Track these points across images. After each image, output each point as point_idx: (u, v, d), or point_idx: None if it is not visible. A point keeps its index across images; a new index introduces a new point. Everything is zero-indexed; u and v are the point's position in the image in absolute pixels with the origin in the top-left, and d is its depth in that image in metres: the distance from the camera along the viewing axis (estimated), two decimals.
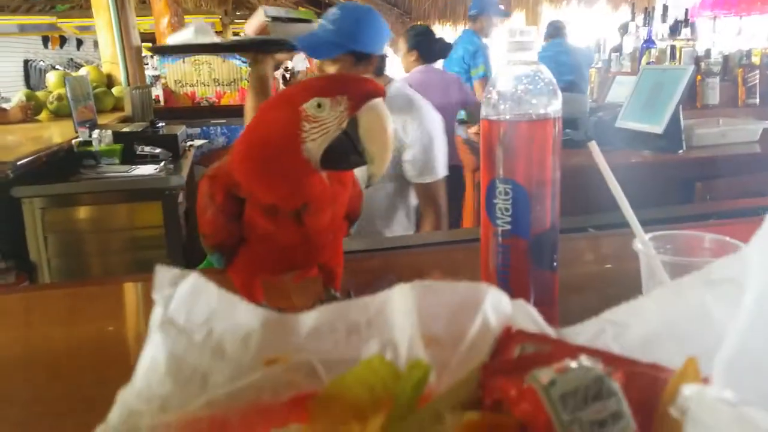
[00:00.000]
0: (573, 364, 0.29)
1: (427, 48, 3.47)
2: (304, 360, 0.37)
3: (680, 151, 2.54)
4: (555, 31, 4.66)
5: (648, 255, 0.63)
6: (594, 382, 0.28)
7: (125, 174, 2.73)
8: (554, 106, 0.64)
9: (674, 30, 3.70)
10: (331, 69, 1.95)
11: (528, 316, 0.39)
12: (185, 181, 2.82)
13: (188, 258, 2.78)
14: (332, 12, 1.94)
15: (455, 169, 3.41)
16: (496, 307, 0.38)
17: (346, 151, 0.65)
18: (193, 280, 0.35)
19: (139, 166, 2.82)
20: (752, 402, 0.25)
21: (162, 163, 2.86)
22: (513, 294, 0.67)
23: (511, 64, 0.65)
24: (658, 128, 2.50)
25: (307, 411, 0.35)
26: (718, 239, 0.64)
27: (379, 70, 2.03)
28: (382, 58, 2.04)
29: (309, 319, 0.38)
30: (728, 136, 2.70)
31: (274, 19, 2.05)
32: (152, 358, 0.35)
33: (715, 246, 0.64)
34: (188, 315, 0.35)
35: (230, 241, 0.72)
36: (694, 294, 0.36)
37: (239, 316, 0.36)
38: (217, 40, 2.34)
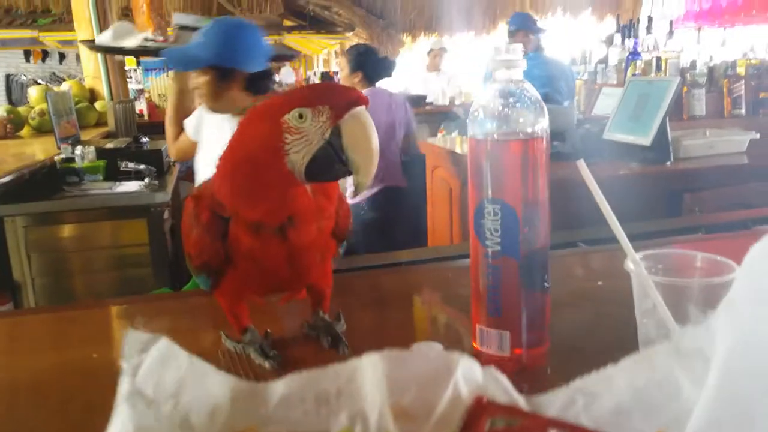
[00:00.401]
0: None
1: (371, 68, 3.39)
2: (275, 430, 0.36)
3: (668, 163, 2.54)
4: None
5: (640, 276, 0.61)
6: None
7: (109, 191, 2.70)
8: (541, 125, 0.63)
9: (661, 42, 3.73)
10: (198, 83, 1.93)
11: (499, 385, 0.39)
12: (170, 197, 2.79)
13: (174, 276, 2.74)
14: (207, 25, 1.92)
15: (395, 190, 3.41)
16: (468, 377, 0.38)
17: (331, 161, 0.63)
18: (163, 346, 0.34)
19: (123, 183, 2.79)
20: None
21: (146, 180, 2.82)
22: (504, 315, 0.66)
23: (497, 83, 0.64)
24: (646, 140, 2.50)
25: None
26: (709, 258, 0.63)
27: (264, 88, 1.99)
28: (264, 75, 1.99)
29: (278, 387, 0.37)
30: (716, 147, 2.71)
31: (181, 28, 2.03)
32: (120, 428, 0.34)
33: (707, 265, 0.63)
34: (157, 385, 0.34)
35: (216, 261, 0.70)
36: (663, 365, 0.37)
37: (209, 384, 0.35)
38: (138, 42, 2.31)
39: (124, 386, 0.34)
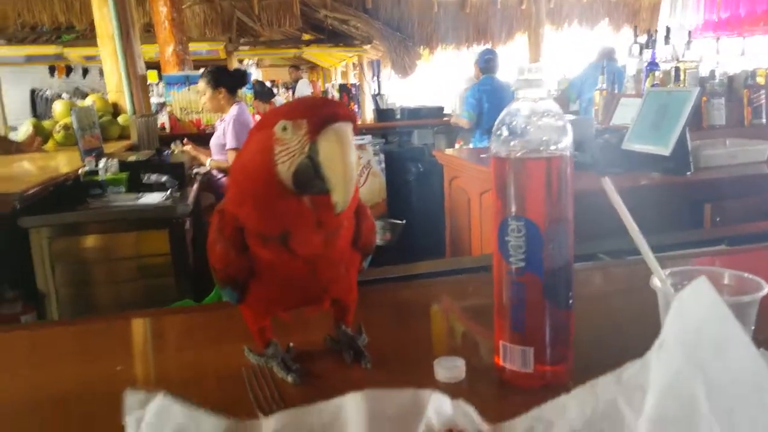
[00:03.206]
0: None
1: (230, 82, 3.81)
2: None
3: (688, 173, 2.52)
4: (487, 65, 4.93)
5: (666, 294, 0.61)
6: None
7: (132, 203, 2.73)
8: (565, 143, 0.64)
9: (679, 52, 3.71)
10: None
11: (467, 417, 0.44)
12: (191, 208, 2.82)
13: (196, 286, 2.77)
14: None
15: None
16: (438, 410, 0.42)
17: (310, 176, 0.63)
18: (160, 401, 0.38)
19: (145, 195, 2.83)
20: None
21: (168, 191, 2.86)
22: (528, 331, 0.67)
23: (521, 101, 0.64)
24: (665, 150, 2.49)
25: None
26: (737, 275, 0.63)
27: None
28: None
29: (269, 424, 0.41)
30: (736, 156, 2.68)
31: None
32: None
33: (735, 282, 0.63)
34: None
35: (241, 274, 0.70)
36: (608, 395, 0.43)
37: (204, 428, 0.39)
38: None
39: None
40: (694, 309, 0.40)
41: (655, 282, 0.63)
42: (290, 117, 0.63)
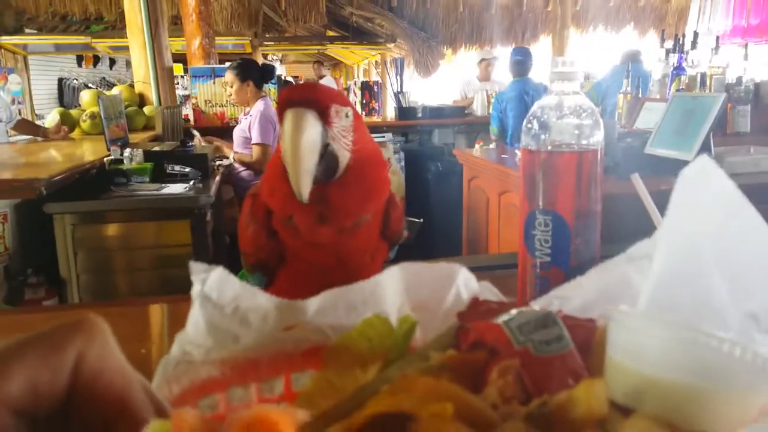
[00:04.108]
0: (526, 308, 0.39)
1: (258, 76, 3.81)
2: (315, 326, 0.45)
3: None
4: (517, 68, 4.46)
5: None
6: (542, 316, 0.37)
7: (155, 192, 2.77)
8: (596, 137, 0.64)
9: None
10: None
11: (491, 293, 0.49)
12: (213, 200, 2.85)
13: None
14: None
15: None
16: (467, 284, 0.47)
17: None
18: (221, 271, 0.43)
19: (168, 185, 2.86)
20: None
21: (191, 182, 2.89)
22: None
23: (553, 94, 0.65)
24: (689, 155, 2.47)
25: (320, 359, 0.42)
26: None
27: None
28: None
29: (314, 302, 0.46)
30: (760, 164, 2.65)
31: None
32: (195, 321, 0.43)
33: None
34: (219, 294, 0.43)
35: (271, 259, 0.71)
36: (619, 269, 0.47)
37: (258, 298, 0.44)
38: None
39: (196, 290, 0.42)
40: (698, 183, 0.42)
41: None
42: (279, 102, 0.64)
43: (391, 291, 0.46)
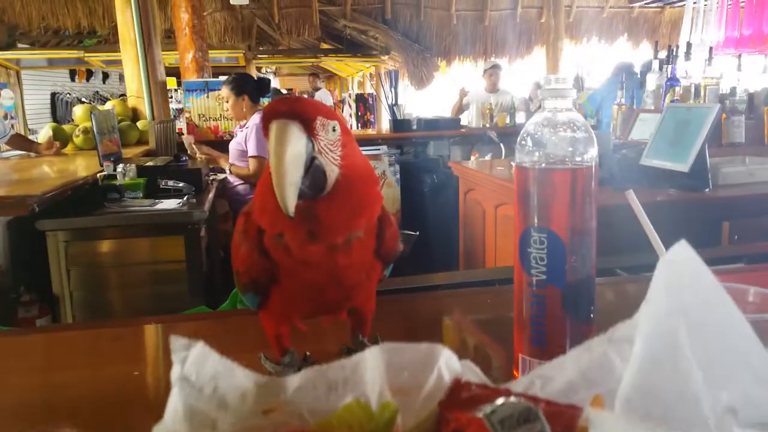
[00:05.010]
0: (509, 400, 0.38)
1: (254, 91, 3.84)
2: (294, 409, 0.45)
3: (706, 190, 2.50)
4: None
5: None
6: (524, 410, 0.37)
7: (149, 208, 2.75)
8: (590, 153, 0.63)
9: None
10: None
11: (474, 373, 0.48)
12: (208, 215, 2.83)
13: (208, 293, 2.77)
14: None
15: None
16: (449, 364, 0.47)
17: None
18: (201, 347, 0.44)
19: (162, 200, 2.85)
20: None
21: (185, 197, 2.88)
22: (548, 345, 0.66)
23: (546, 111, 0.64)
24: (684, 166, 2.46)
25: None
26: (763, 293, 0.62)
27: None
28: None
29: (294, 380, 0.46)
30: (755, 174, 2.65)
31: None
32: (174, 407, 0.43)
33: (761, 300, 0.62)
34: (198, 374, 0.43)
35: (263, 277, 0.69)
36: (600, 350, 0.47)
37: (237, 376, 0.45)
38: None
39: (175, 372, 0.43)
40: (677, 271, 0.44)
41: None
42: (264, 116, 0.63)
43: (372, 372, 0.45)
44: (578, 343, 0.66)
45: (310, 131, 0.61)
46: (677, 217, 2.36)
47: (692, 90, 3.34)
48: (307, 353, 0.79)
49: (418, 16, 8.63)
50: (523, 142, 0.64)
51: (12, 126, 4.72)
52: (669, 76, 3.50)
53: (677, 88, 3.43)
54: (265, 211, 0.65)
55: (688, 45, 3.71)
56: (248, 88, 3.78)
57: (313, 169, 0.61)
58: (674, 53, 3.55)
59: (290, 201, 0.59)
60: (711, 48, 3.85)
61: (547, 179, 0.63)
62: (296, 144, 0.60)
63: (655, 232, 0.60)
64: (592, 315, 0.66)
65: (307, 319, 0.76)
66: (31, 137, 5.03)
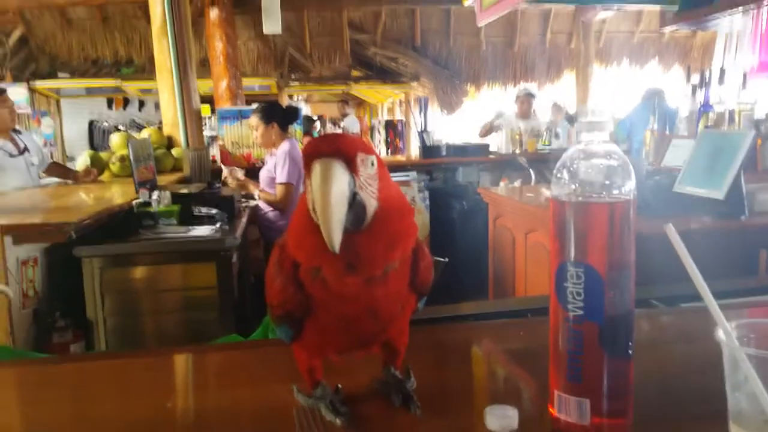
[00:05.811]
0: None
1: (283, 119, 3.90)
2: None
3: (742, 217, 2.45)
4: None
5: (731, 347, 0.59)
6: None
7: (182, 234, 2.79)
8: (628, 186, 0.62)
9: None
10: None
11: None
12: (240, 241, 2.85)
13: (239, 320, 2.78)
14: None
15: None
16: None
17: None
18: None
19: (196, 227, 2.88)
20: None
21: (218, 224, 2.91)
22: (585, 382, 0.65)
23: (583, 144, 0.63)
24: (719, 194, 2.42)
25: None
26: None
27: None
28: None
29: None
30: None
31: None
32: None
33: None
34: None
35: (298, 310, 0.70)
36: None
37: None
38: None
39: None
40: None
41: (720, 335, 0.60)
42: (305, 154, 0.64)
43: None
44: (616, 380, 0.65)
45: (352, 168, 0.62)
46: (713, 246, 2.30)
47: (726, 115, 3.30)
48: (339, 386, 0.79)
49: (447, 43, 8.69)
50: (559, 176, 0.64)
51: (51, 154, 4.84)
52: (702, 101, 3.46)
53: (711, 114, 3.39)
54: (301, 245, 0.66)
55: (722, 70, 3.67)
56: (276, 116, 3.84)
57: (355, 205, 0.62)
58: (707, 78, 3.51)
59: (336, 238, 0.60)
60: (745, 73, 3.80)
61: (585, 213, 0.62)
62: (340, 182, 0.61)
63: (695, 267, 0.59)
64: (630, 351, 0.65)
65: (341, 353, 0.76)
66: (69, 164, 5.16)
